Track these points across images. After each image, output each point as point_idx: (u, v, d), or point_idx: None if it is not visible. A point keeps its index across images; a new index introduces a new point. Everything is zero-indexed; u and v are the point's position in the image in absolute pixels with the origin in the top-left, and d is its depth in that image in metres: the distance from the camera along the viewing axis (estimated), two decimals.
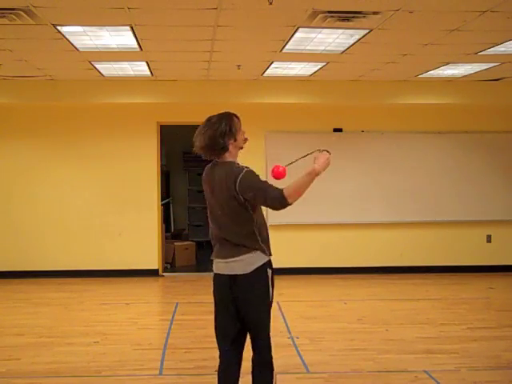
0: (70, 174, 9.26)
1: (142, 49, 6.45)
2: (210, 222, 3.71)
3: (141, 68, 7.65)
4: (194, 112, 8.94)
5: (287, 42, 6.18)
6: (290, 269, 9.02)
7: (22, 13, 4.92)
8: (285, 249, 8.91)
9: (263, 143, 9.24)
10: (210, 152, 3.58)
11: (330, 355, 5.42)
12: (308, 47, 6.42)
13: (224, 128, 3.54)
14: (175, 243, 10.33)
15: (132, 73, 8.02)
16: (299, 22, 5.39)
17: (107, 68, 7.64)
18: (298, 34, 5.83)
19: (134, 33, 5.73)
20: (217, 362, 3.71)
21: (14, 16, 4.98)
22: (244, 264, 3.55)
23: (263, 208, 3.65)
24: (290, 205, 3.37)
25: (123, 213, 9.28)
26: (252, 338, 3.68)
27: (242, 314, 3.62)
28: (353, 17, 5.13)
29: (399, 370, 5.00)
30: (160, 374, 4.98)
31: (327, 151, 3.44)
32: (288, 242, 9.17)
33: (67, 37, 5.86)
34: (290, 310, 7.07)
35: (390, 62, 7.28)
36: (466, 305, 7.43)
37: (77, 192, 9.25)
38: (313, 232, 9.42)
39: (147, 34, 5.86)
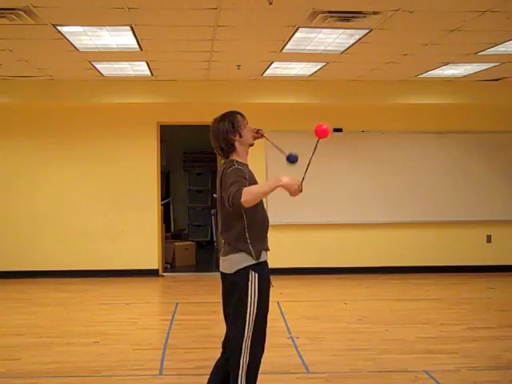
0: (70, 173, 9.26)
1: (141, 49, 6.45)
2: None
3: (141, 68, 7.65)
4: (194, 112, 9.06)
5: (287, 42, 6.18)
6: (290, 269, 9.03)
7: (21, 13, 4.92)
8: (285, 249, 8.93)
9: (263, 143, 9.19)
10: (220, 150, 3.61)
11: (330, 355, 5.41)
12: (308, 47, 6.42)
13: (227, 125, 3.56)
14: (175, 243, 10.33)
15: (132, 73, 8.02)
16: (299, 22, 5.39)
17: (107, 68, 7.64)
18: (297, 34, 5.83)
19: (134, 33, 5.73)
20: None
21: (14, 16, 4.98)
22: (230, 263, 3.51)
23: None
24: (243, 206, 3.21)
25: (123, 213, 9.27)
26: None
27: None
28: (353, 17, 5.14)
29: (399, 370, 4.99)
30: (160, 374, 4.97)
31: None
32: (288, 242, 9.16)
33: (67, 37, 5.86)
34: (290, 310, 7.06)
35: (389, 62, 7.28)
36: (466, 305, 7.43)
37: (77, 192, 9.24)
38: (313, 232, 9.42)
39: (147, 34, 5.86)
